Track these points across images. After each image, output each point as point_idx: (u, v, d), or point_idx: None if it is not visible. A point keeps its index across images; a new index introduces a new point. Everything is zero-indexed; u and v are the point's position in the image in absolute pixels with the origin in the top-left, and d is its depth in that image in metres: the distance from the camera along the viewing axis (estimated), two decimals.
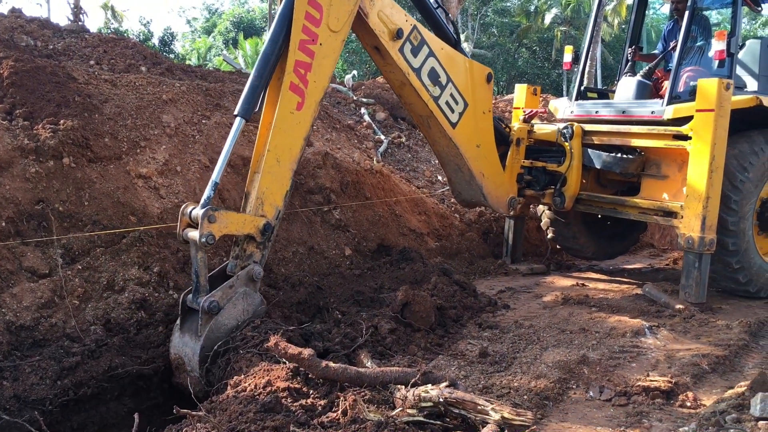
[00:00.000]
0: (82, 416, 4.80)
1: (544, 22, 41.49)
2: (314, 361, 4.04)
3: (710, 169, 6.38)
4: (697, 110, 6.49)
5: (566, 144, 7.67)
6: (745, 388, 4.17)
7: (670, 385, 4.42)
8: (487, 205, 7.59)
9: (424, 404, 3.63)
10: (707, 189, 6.39)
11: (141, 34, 37.68)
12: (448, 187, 9.05)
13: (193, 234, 4.69)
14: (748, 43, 7.63)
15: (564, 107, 8.22)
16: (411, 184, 9.86)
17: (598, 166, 7.60)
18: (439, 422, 3.59)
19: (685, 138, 6.64)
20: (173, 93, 7.45)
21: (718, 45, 6.71)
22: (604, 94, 8.63)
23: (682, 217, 6.66)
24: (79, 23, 14.20)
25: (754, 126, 6.99)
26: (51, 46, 8.82)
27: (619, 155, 7.41)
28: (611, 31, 38.67)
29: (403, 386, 3.83)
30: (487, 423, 3.43)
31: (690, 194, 6.55)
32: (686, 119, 6.64)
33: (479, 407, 3.51)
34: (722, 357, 5.11)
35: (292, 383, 3.98)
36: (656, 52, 8.42)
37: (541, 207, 8.86)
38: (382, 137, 11.14)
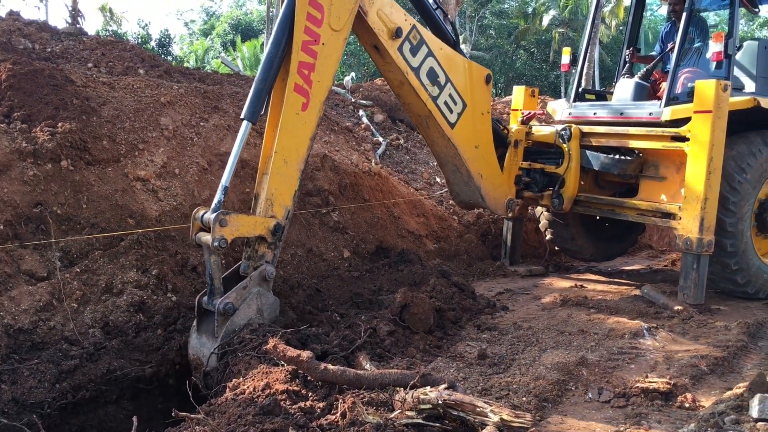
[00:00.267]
0: (81, 419, 4.79)
1: (542, 24, 41.54)
2: (313, 364, 4.03)
3: (708, 171, 6.38)
4: (695, 111, 6.50)
5: (564, 146, 7.67)
6: (744, 389, 4.18)
7: (668, 386, 4.42)
8: (485, 206, 7.59)
9: (423, 406, 3.63)
10: (705, 190, 6.40)
11: (139, 37, 37.66)
12: (446, 189, 9.06)
13: (206, 238, 4.79)
14: (745, 44, 7.64)
15: (562, 109, 8.22)
16: (409, 186, 9.86)
17: (596, 168, 7.61)
18: (438, 424, 3.59)
19: (683, 139, 6.65)
20: (171, 95, 7.45)
21: (715, 46, 6.72)
22: (602, 96, 8.64)
23: (680, 218, 6.67)
24: (77, 26, 14.21)
25: (752, 127, 6.99)
26: (49, 49, 8.82)
27: (617, 157, 7.41)
28: (609, 32, 38.73)
29: (402, 388, 3.82)
30: (486, 425, 3.43)
31: (688, 195, 6.55)
32: (684, 120, 6.65)
33: (478, 409, 3.51)
34: (721, 358, 5.11)
35: (290, 386, 3.98)
36: (654, 53, 8.44)
37: (539, 208, 8.86)
38: (381, 139, 11.14)
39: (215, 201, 4.87)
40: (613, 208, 7.62)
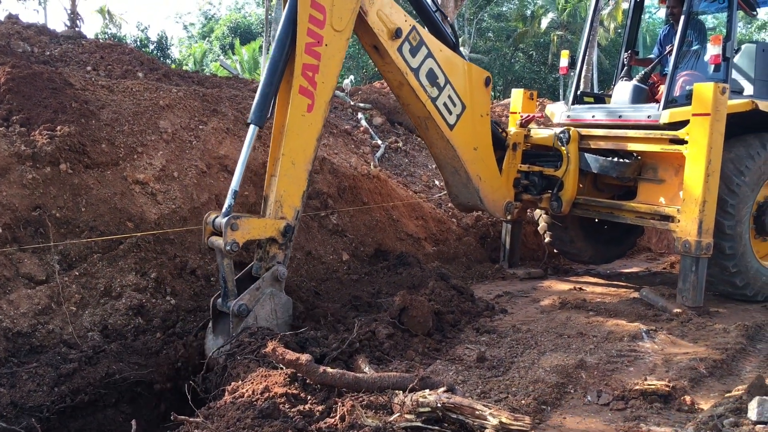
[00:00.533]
0: (80, 423, 4.79)
1: (541, 27, 41.57)
2: (312, 367, 4.03)
3: (707, 173, 6.39)
4: (693, 114, 6.51)
5: (563, 148, 7.68)
6: (743, 391, 4.18)
7: (667, 389, 4.42)
8: (483, 209, 7.60)
9: (422, 409, 3.63)
10: (704, 193, 6.41)
11: (138, 40, 37.70)
12: (445, 192, 9.06)
13: (218, 242, 4.89)
14: (743, 47, 7.66)
15: (560, 112, 8.23)
16: (408, 188, 9.87)
17: (594, 171, 7.62)
18: (437, 427, 3.59)
19: (682, 142, 6.66)
20: (170, 99, 7.45)
21: (713, 49, 6.73)
22: (601, 99, 8.65)
23: (678, 221, 6.67)
24: (76, 29, 14.23)
25: (750, 130, 7.00)
26: (48, 53, 8.82)
27: (615, 159, 7.42)
28: (607, 35, 38.77)
29: (401, 391, 3.82)
30: (485, 428, 3.43)
31: (686, 198, 6.56)
32: (682, 123, 6.66)
33: (477, 412, 3.51)
34: (720, 361, 5.11)
35: (289, 389, 3.98)
36: (652, 56, 8.45)
37: (538, 211, 8.87)
38: (380, 142, 11.14)
39: (225, 205, 4.97)
40: (612, 210, 7.62)
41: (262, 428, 3.53)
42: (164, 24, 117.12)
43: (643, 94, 7.71)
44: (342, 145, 9.88)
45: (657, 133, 6.94)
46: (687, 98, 6.78)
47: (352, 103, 12.45)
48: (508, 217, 8.02)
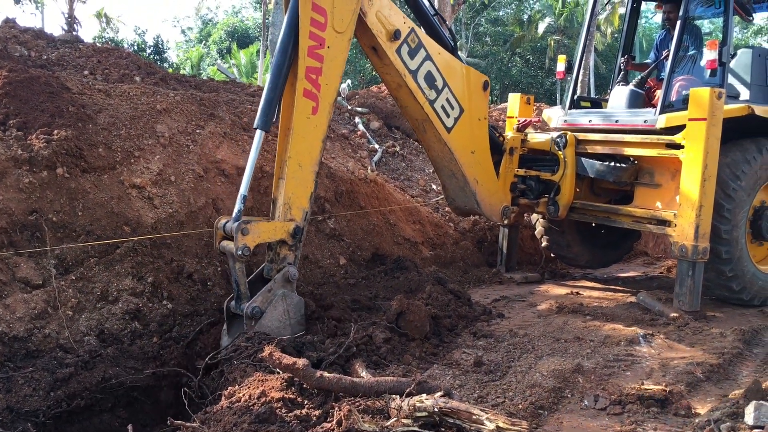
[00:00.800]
0: (76, 428, 4.78)
1: (538, 32, 41.69)
2: (309, 371, 4.03)
3: (703, 178, 6.40)
4: (690, 119, 6.52)
5: (560, 153, 7.69)
6: (740, 396, 4.19)
7: (664, 393, 4.42)
8: (480, 212, 7.60)
9: (419, 414, 3.63)
10: (700, 197, 6.41)
11: (135, 44, 37.70)
12: (442, 196, 9.07)
13: (230, 246, 5.00)
14: (739, 52, 7.68)
15: (557, 116, 8.24)
16: (405, 193, 9.87)
17: (591, 175, 7.63)
18: None
19: (678, 147, 6.67)
20: (167, 103, 7.45)
21: (709, 54, 6.76)
22: (597, 104, 8.67)
23: (675, 225, 6.68)
24: (73, 33, 14.23)
25: (746, 135, 7.02)
26: (45, 57, 8.83)
27: (612, 164, 7.43)
28: (604, 40, 38.89)
29: (398, 396, 3.82)
30: None
31: (683, 203, 6.57)
32: (679, 128, 6.67)
33: (474, 417, 3.51)
34: (716, 365, 5.12)
35: (286, 393, 3.97)
36: (649, 61, 8.47)
37: (535, 216, 8.87)
38: (377, 146, 11.15)
39: (235, 210, 5.07)
40: (609, 215, 7.63)
41: None
42: (162, 28, 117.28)
43: (640, 99, 7.73)
44: (339, 150, 9.88)
45: (653, 138, 6.95)
46: (683, 103, 6.80)
47: (349, 107, 12.46)
48: (505, 222, 8.03)
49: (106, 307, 5.54)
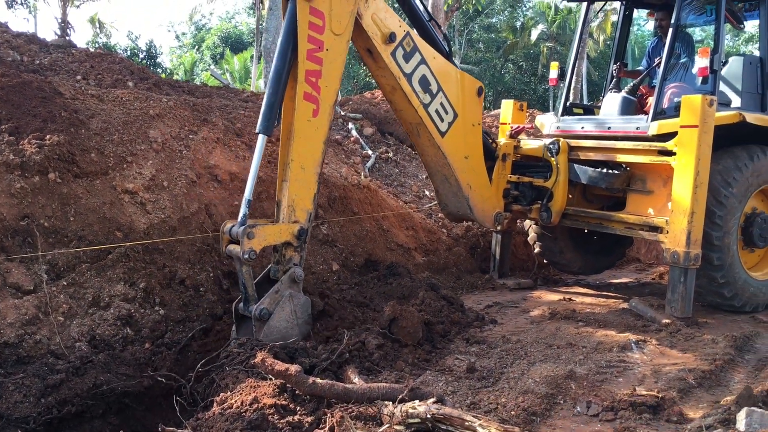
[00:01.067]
0: None
1: (531, 38, 41.88)
2: (301, 378, 4.02)
3: (695, 185, 6.43)
4: (682, 126, 6.55)
5: (552, 159, 7.71)
6: (731, 402, 4.20)
7: (656, 399, 4.43)
8: (473, 218, 7.61)
9: (411, 420, 3.62)
10: (692, 204, 6.44)
11: (129, 49, 37.66)
12: (435, 202, 9.08)
13: (237, 250, 5.08)
14: (730, 60, 7.72)
15: (550, 123, 8.27)
16: (398, 199, 9.88)
17: (584, 182, 7.65)
18: None
19: (670, 153, 6.70)
20: (160, 108, 7.44)
21: (701, 62, 6.80)
22: (590, 110, 8.70)
23: (667, 232, 6.70)
24: (66, 38, 14.21)
25: (738, 142, 7.06)
26: (37, 61, 8.80)
27: (604, 170, 7.45)
28: (597, 47, 39.07)
29: (391, 402, 3.82)
30: None
31: (675, 209, 6.59)
32: (671, 135, 6.70)
33: (467, 423, 3.51)
34: (708, 371, 5.13)
35: (278, 400, 3.96)
36: (641, 68, 8.51)
37: (528, 222, 8.89)
38: (370, 152, 11.16)
39: (241, 215, 5.15)
40: (601, 221, 7.65)
41: None
42: (157, 33, 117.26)
43: (632, 106, 7.76)
44: (332, 155, 9.88)
45: (645, 145, 6.98)
46: (675, 110, 6.83)
47: (342, 113, 12.47)
48: (498, 228, 8.04)
49: (97, 312, 5.51)
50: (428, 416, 3.58)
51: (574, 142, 7.76)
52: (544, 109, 32.61)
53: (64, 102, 6.75)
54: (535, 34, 41.64)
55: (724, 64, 7.57)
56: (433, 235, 9.23)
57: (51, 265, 5.62)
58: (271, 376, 4.19)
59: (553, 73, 8.35)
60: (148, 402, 5.08)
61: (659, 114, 7.05)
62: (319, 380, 4.05)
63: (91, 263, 5.80)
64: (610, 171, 7.43)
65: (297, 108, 5.39)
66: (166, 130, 7.26)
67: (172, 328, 5.75)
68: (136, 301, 5.76)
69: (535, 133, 9.54)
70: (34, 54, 9.03)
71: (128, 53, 36.04)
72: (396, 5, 7.02)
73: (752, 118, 6.87)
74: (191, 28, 57.33)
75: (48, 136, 6.13)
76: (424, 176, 10.90)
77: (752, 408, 3.80)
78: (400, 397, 3.81)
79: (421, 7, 6.87)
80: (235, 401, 4.01)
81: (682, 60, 7.55)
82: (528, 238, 9.05)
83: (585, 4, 8.55)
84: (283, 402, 3.96)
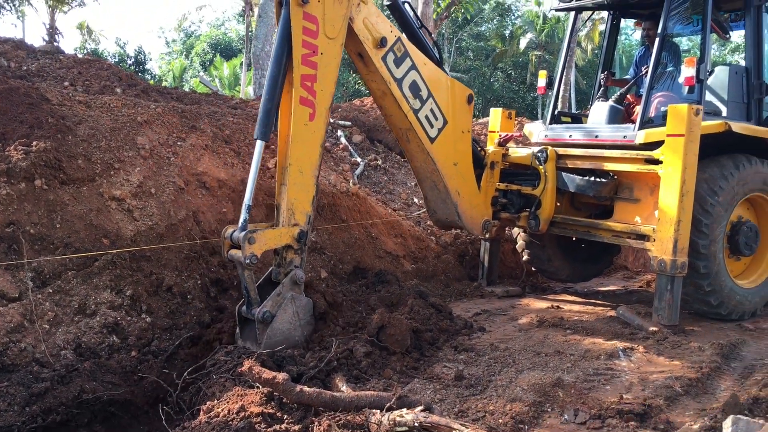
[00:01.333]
0: None
1: (520, 47, 42.08)
2: (288, 386, 4.01)
3: (681, 193, 6.47)
4: (668, 135, 6.59)
5: (540, 167, 7.74)
6: (718, 410, 4.22)
7: (643, 407, 4.44)
8: (461, 225, 7.62)
9: (399, 429, 3.62)
10: (678, 212, 6.48)
11: (117, 56, 37.54)
12: (424, 210, 9.08)
13: (238, 255, 5.16)
14: (716, 69, 7.79)
15: (538, 131, 8.30)
16: (387, 206, 9.88)
17: (572, 190, 7.68)
18: None
19: (657, 162, 6.74)
20: (148, 115, 7.42)
21: (687, 71, 6.84)
22: (578, 119, 8.74)
23: (654, 240, 6.74)
24: (54, 44, 14.16)
25: (724, 151, 7.11)
26: (25, 67, 8.76)
27: (592, 179, 7.49)
28: (585, 56, 39.32)
29: (378, 410, 3.81)
30: None
31: (662, 218, 6.63)
32: (657, 144, 6.74)
33: (454, 431, 3.50)
34: (695, 379, 5.15)
35: (265, 408, 3.95)
36: (628, 77, 8.57)
37: (516, 229, 8.91)
38: (359, 160, 11.16)
39: (241, 220, 5.23)
40: (589, 229, 7.68)
41: None
42: (147, 39, 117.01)
43: (619, 115, 7.81)
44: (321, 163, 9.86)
45: (632, 153, 7.02)
46: (662, 119, 6.87)
47: (331, 120, 12.47)
48: (486, 235, 8.05)
49: (83, 320, 5.47)
50: (416, 424, 3.57)
51: (562, 151, 7.79)
52: (533, 117, 32.77)
53: (51, 108, 6.72)
54: (523, 43, 41.86)
55: (710, 73, 7.63)
56: (421, 243, 9.23)
57: (37, 272, 5.58)
58: (258, 385, 4.17)
59: (542, 81, 8.39)
60: (134, 410, 5.04)
61: (646, 123, 7.09)
62: (306, 388, 4.04)
63: (78, 270, 5.76)
64: (598, 179, 7.46)
65: (293, 113, 5.46)
66: (154, 136, 7.24)
67: (158, 336, 5.72)
68: (123, 309, 5.72)
69: (524, 142, 9.58)
70: (22, 60, 9.00)
71: (116, 59, 35.92)
72: (388, 12, 7.05)
73: (738, 127, 6.92)
74: (180, 34, 57.28)
75: (35, 143, 6.10)
76: (412, 184, 10.91)
77: (738, 416, 3.81)
78: (388, 405, 3.80)
79: (411, 14, 6.90)
80: (222, 410, 3.99)
81: (669, 69, 7.61)
82: (516, 246, 9.06)
83: (573, 13, 8.61)
84: (270, 410, 3.94)
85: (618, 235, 7.35)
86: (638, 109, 7.33)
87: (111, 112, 7.19)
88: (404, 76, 6.48)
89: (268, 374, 4.09)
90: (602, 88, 8.41)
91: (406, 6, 6.88)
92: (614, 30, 8.81)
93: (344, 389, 4.38)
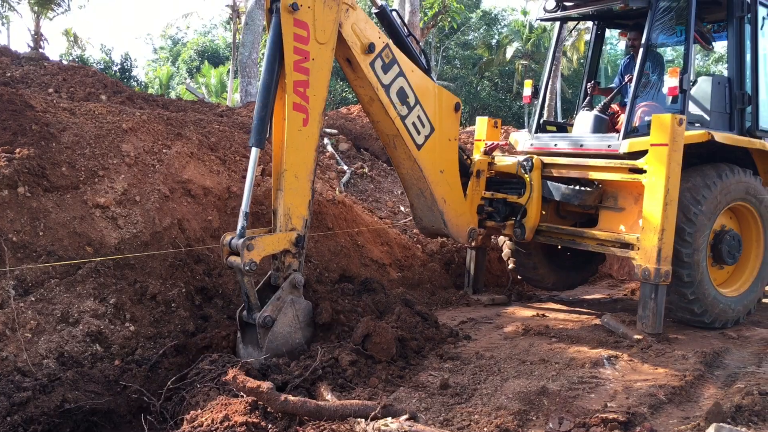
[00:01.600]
0: None
1: (506, 56, 42.32)
2: (273, 395, 3.99)
3: (665, 202, 6.52)
4: (652, 144, 6.65)
5: (526, 176, 7.78)
6: (701, 418, 4.24)
7: (627, 415, 4.46)
8: (447, 233, 7.63)
9: None
10: (662, 221, 6.52)
11: (103, 62, 37.38)
12: (410, 218, 9.09)
13: (237, 262, 5.23)
14: (699, 80, 7.86)
15: (524, 140, 8.35)
16: (373, 214, 9.88)
17: (557, 198, 7.72)
18: None
19: (641, 171, 6.79)
20: (133, 122, 7.39)
21: (671, 81, 6.91)
22: (563, 128, 8.80)
23: (638, 248, 6.78)
24: (39, 50, 14.08)
25: (707, 160, 7.18)
26: (9, 74, 8.71)
27: (577, 188, 7.53)
28: (570, 65, 39.60)
29: (363, 420, 3.80)
30: None
31: (646, 226, 6.67)
32: (641, 153, 6.80)
33: None
34: (678, 387, 5.18)
35: (250, 418, 3.92)
36: (613, 86, 8.64)
37: (502, 238, 8.94)
38: (345, 168, 11.17)
39: (239, 227, 5.31)
40: (574, 238, 7.72)
41: None
42: (135, 45, 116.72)
43: (604, 124, 7.86)
44: None
45: (617, 163, 7.07)
46: (647, 128, 6.93)
47: None
48: (472, 244, 8.07)
49: (66, 329, 5.42)
50: None
51: (547, 159, 7.83)
52: (520, 126, 32.94)
53: (35, 115, 6.67)
54: (510, 52, 42.11)
55: (694, 83, 7.71)
56: (407, 251, 9.24)
57: (19, 280, 5.53)
58: (242, 394, 4.15)
59: (527, 91, 8.44)
60: (117, 420, 4.98)
61: (630, 132, 7.14)
62: (291, 397, 4.02)
63: (61, 279, 5.71)
64: (583, 188, 7.51)
65: (287, 119, 5.51)
66: (139, 144, 7.21)
67: (142, 345, 5.67)
68: (106, 317, 5.67)
69: (510, 150, 9.62)
70: (5, 66, 8.94)
71: (102, 66, 35.76)
72: (376, 20, 7.07)
73: (720, 137, 6.99)
74: (167, 41, 57.15)
75: (18, 150, 6.06)
76: (399, 192, 10.93)
77: (721, 424, 3.84)
78: (373, 414, 3.80)
79: (399, 22, 6.93)
80: (206, 419, 3.96)
81: (653, 79, 7.67)
82: (502, 254, 9.09)
83: (558, 23, 8.68)
84: (255, 420, 3.92)
85: (603, 243, 7.39)
86: (623, 119, 7.38)
87: (96, 119, 7.16)
88: (392, 83, 6.51)
89: (252, 383, 4.07)
90: (588, 98, 8.47)
91: (394, 14, 6.92)
92: (599, 40, 8.89)
93: (329, 398, 4.37)
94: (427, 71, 6.98)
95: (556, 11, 8.12)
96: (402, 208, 10.54)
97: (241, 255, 5.16)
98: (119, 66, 36.94)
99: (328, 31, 5.74)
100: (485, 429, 4.27)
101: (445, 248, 9.58)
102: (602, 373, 5.56)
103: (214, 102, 17.97)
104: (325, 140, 12.01)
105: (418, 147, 6.89)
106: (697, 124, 7.34)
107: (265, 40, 5.83)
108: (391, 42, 6.51)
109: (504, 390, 4.98)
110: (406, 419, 3.70)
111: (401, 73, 6.58)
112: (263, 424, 3.93)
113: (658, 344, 6.38)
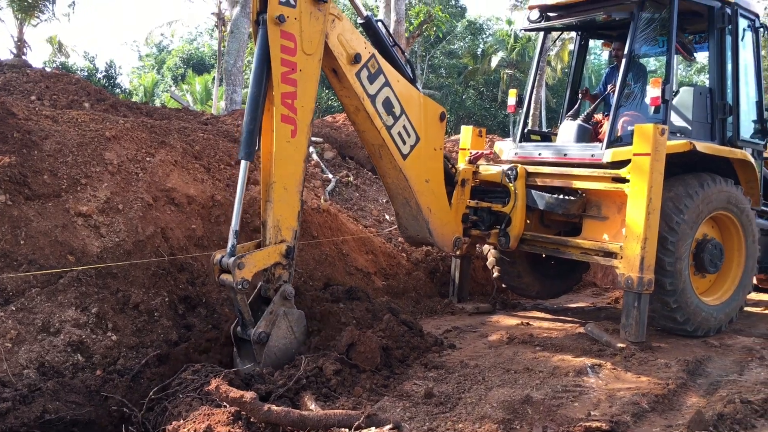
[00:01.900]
0: None
1: (491, 65, 42.52)
2: (256, 405, 3.97)
3: (647, 211, 6.56)
4: (634, 154, 6.70)
5: (511, 185, 7.81)
6: (683, 427, 4.26)
7: (611, 424, 4.47)
8: (432, 242, 7.64)
9: None
10: (645, 230, 6.56)
11: (87, 70, 37.16)
12: (395, 227, 9.09)
13: (229, 280, 5.25)
14: (681, 90, 7.94)
15: (508, 149, 8.38)
16: (358, 223, 9.87)
17: (541, 207, 7.75)
18: None
19: (624, 181, 6.84)
20: (117, 130, 7.35)
21: (653, 92, 6.97)
22: (547, 137, 8.85)
23: (621, 257, 6.82)
24: (22, 57, 13.98)
25: (689, 170, 7.24)
26: None
27: (561, 197, 7.56)
28: (555, 75, 39.86)
29: (347, 429, 3.78)
30: None
31: (629, 235, 6.71)
32: (624, 162, 6.85)
33: None
34: (661, 395, 5.20)
35: (232, 428, 3.90)
36: (597, 92, 8.70)
37: (486, 246, 8.95)
38: (330, 176, 11.16)
39: (229, 245, 5.30)
40: (558, 246, 7.75)
41: None
42: (121, 51, 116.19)
43: (587, 134, 7.92)
44: None
45: (600, 172, 7.11)
46: (630, 138, 6.97)
47: None
48: (457, 252, 8.08)
49: (47, 338, 5.36)
50: None
51: (531, 168, 7.87)
52: (505, 135, 33.05)
53: (17, 123, 6.62)
54: (495, 61, 42.31)
55: (676, 94, 7.78)
56: (392, 260, 9.23)
57: None
58: (225, 404, 4.12)
59: (511, 100, 8.48)
60: (98, 431, 4.93)
61: (613, 142, 7.20)
62: (274, 407, 4.00)
63: (42, 288, 5.66)
64: (567, 197, 7.55)
65: (276, 131, 5.51)
66: (123, 152, 7.17)
67: (124, 355, 5.62)
68: (88, 327, 5.62)
69: (495, 159, 9.66)
70: None
71: (86, 74, 35.55)
72: (362, 30, 7.08)
73: (702, 146, 7.06)
74: (152, 48, 56.93)
75: None
76: (384, 200, 10.93)
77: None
78: (357, 424, 3.78)
79: (384, 32, 6.95)
80: (188, 430, 3.93)
81: (636, 89, 7.74)
82: (487, 263, 9.11)
83: (542, 33, 8.74)
84: (238, 430, 3.90)
85: (586, 252, 7.42)
86: (606, 128, 7.43)
87: (78, 127, 7.11)
88: (377, 93, 6.53)
89: (235, 393, 4.04)
90: (577, 104, 8.52)
91: (380, 24, 6.93)
92: (583, 50, 8.96)
93: (313, 408, 4.35)
94: (412, 81, 7.01)
95: (540, 21, 8.18)
96: (387, 217, 10.55)
97: (232, 274, 5.17)
98: (104, 73, 36.72)
99: (314, 41, 5.74)
100: None
101: (430, 257, 9.59)
102: (586, 382, 5.58)
103: (198, 110, 17.90)
104: (311, 148, 11.99)
105: (404, 157, 6.90)
106: (679, 134, 7.40)
107: (251, 49, 5.84)
108: (376, 52, 6.52)
109: (488, 399, 4.98)
110: (391, 429, 3.70)
111: (387, 83, 6.60)
112: None
113: (641, 352, 6.41)
